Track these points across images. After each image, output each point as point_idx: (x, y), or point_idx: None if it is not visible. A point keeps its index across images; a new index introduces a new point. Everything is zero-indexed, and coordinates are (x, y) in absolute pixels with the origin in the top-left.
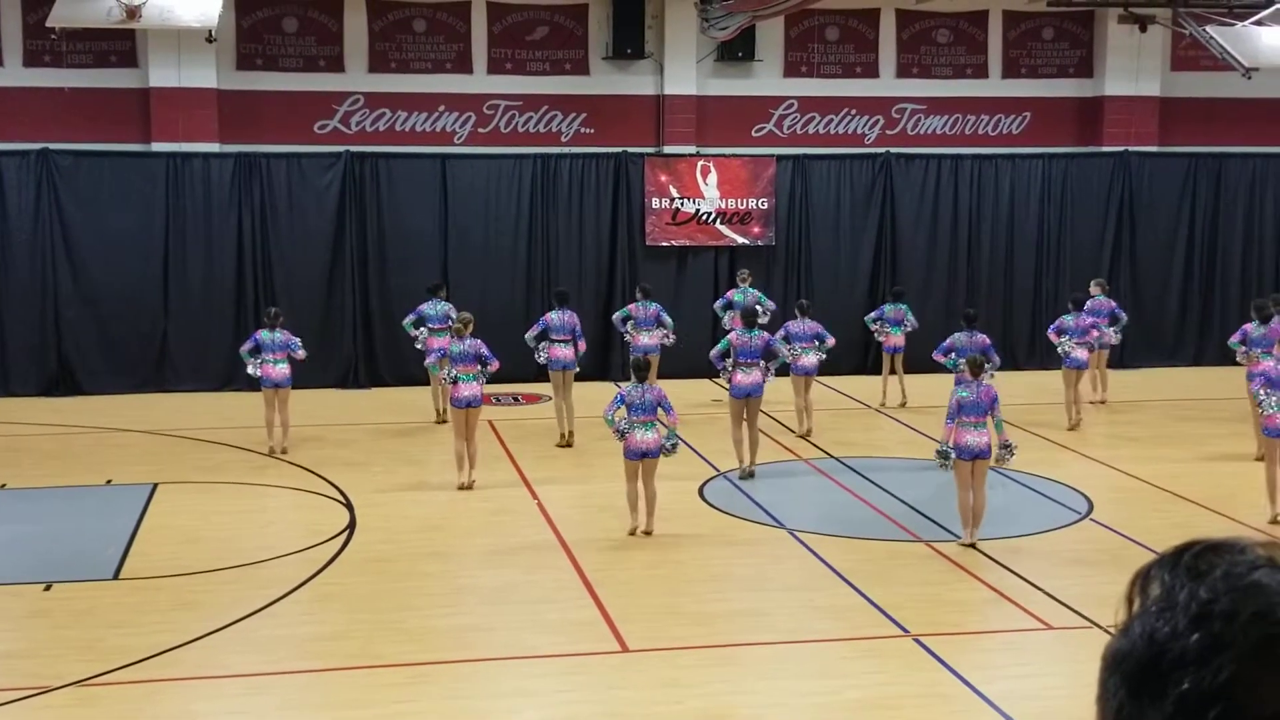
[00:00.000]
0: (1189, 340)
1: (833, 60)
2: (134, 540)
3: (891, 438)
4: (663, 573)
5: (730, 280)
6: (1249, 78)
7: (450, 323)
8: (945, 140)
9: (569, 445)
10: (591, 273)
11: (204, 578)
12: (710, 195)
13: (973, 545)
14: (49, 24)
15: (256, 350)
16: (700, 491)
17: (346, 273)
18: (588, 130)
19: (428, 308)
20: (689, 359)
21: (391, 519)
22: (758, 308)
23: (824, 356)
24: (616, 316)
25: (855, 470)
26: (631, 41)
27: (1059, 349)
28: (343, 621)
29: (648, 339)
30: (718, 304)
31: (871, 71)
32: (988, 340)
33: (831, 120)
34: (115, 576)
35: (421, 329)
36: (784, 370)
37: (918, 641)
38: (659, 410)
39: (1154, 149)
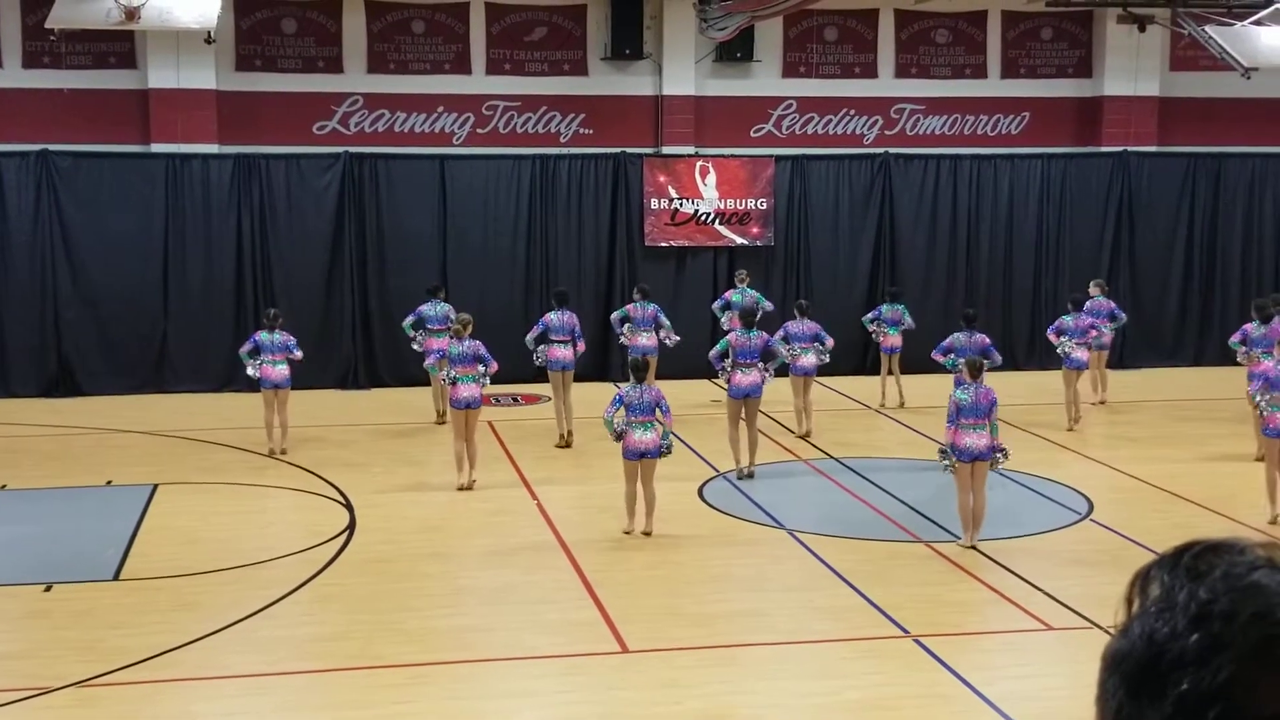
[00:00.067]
0: (1189, 340)
1: (831, 60)
2: (134, 541)
3: (891, 438)
4: (662, 573)
5: (729, 281)
6: (1248, 78)
7: (450, 324)
8: (944, 140)
9: (568, 446)
10: (590, 273)
11: (204, 579)
12: (709, 196)
13: (973, 547)
14: (48, 25)
15: (256, 351)
16: (700, 492)
17: (346, 273)
18: (586, 131)
19: (427, 309)
20: (687, 360)
21: (391, 520)
22: (756, 308)
23: (826, 359)
24: (614, 317)
25: (855, 471)
26: (630, 42)
27: (1058, 349)
28: (342, 622)
29: (646, 339)
30: (716, 304)
31: (870, 72)
32: (987, 340)
33: (830, 120)
34: (115, 577)
35: (418, 332)
36: (783, 371)
37: (918, 642)
38: (656, 410)
39: (1153, 149)
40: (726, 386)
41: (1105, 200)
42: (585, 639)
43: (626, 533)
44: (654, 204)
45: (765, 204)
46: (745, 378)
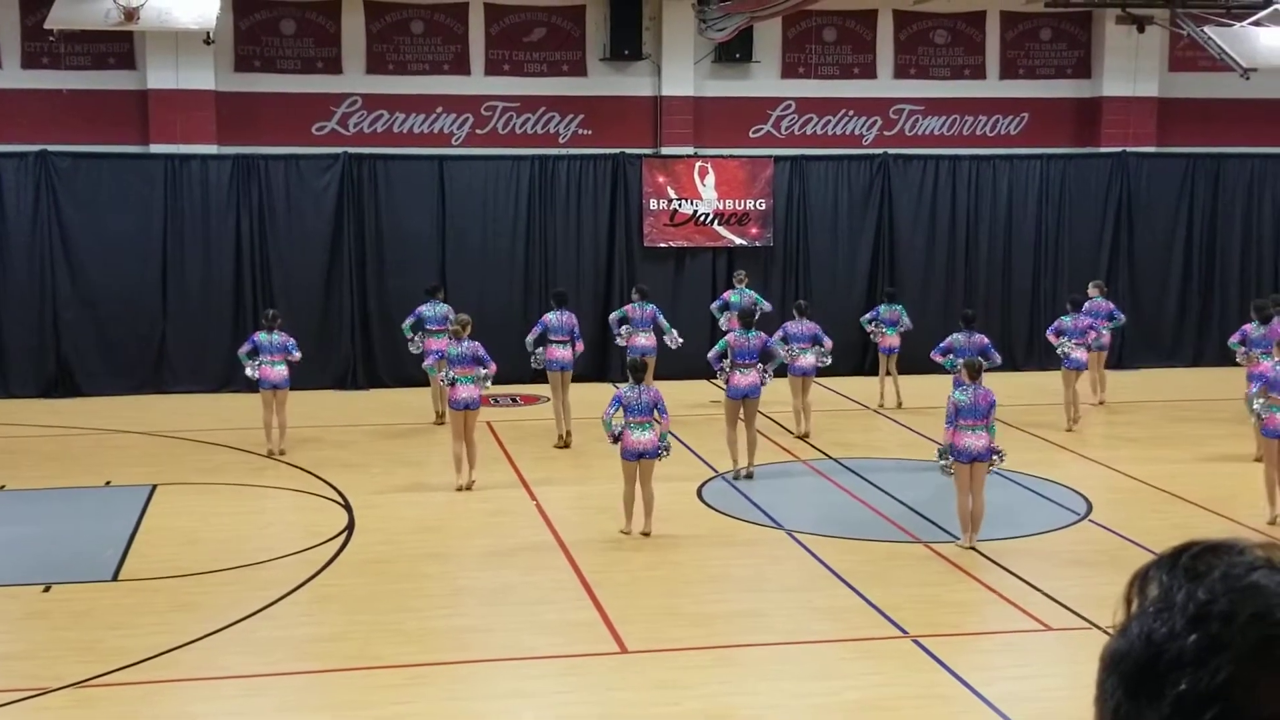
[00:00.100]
0: (1187, 341)
1: (830, 61)
2: (133, 542)
3: (890, 439)
4: (661, 574)
5: (727, 281)
6: (1247, 78)
7: (448, 325)
8: (943, 141)
9: (567, 446)
10: (589, 274)
11: (203, 579)
12: (708, 196)
13: (972, 548)
14: (47, 26)
15: (254, 352)
16: (699, 492)
17: (344, 274)
18: (585, 131)
19: (426, 309)
20: (686, 360)
21: (390, 520)
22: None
23: (827, 361)
24: (613, 317)
25: (853, 471)
26: (629, 43)
27: (1058, 350)
28: (341, 623)
29: (644, 340)
30: (714, 305)
31: (869, 72)
32: (986, 340)
33: (829, 121)
34: (114, 578)
35: (417, 334)
36: (782, 371)
37: (916, 642)
38: (654, 411)
39: (1152, 149)
40: (725, 387)
41: (1104, 201)
42: (584, 639)
43: (625, 533)
44: (653, 204)
45: (764, 204)
46: (744, 378)
